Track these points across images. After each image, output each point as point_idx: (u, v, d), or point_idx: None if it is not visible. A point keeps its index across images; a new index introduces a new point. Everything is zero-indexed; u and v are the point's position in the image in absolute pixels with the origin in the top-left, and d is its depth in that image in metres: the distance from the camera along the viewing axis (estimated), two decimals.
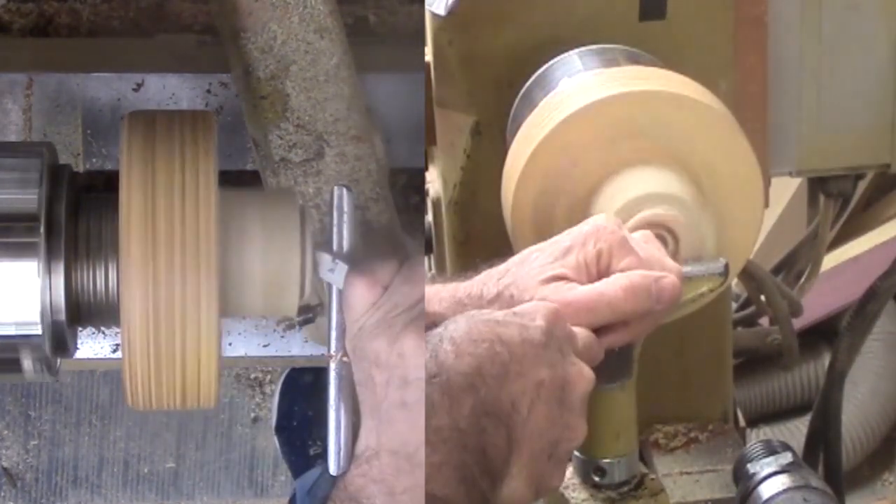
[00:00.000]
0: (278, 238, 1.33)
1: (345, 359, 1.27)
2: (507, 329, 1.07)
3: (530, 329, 1.08)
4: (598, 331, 1.14)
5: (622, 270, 1.16)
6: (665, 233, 1.26)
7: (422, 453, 1.17)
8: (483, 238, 1.57)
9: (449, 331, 1.06)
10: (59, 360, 1.40)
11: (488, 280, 1.19)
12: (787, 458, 1.43)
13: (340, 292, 1.28)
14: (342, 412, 1.26)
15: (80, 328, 1.40)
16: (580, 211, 1.29)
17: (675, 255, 1.26)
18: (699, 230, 1.27)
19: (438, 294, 1.21)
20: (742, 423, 1.80)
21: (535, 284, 1.16)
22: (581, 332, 1.12)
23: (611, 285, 1.14)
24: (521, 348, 1.06)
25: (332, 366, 1.27)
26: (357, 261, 1.29)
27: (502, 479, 1.06)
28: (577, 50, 1.44)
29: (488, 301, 1.17)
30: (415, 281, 1.24)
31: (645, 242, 1.20)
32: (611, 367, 1.19)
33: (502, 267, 1.20)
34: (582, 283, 1.16)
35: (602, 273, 1.16)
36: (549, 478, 1.09)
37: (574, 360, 1.10)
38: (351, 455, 1.26)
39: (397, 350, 1.22)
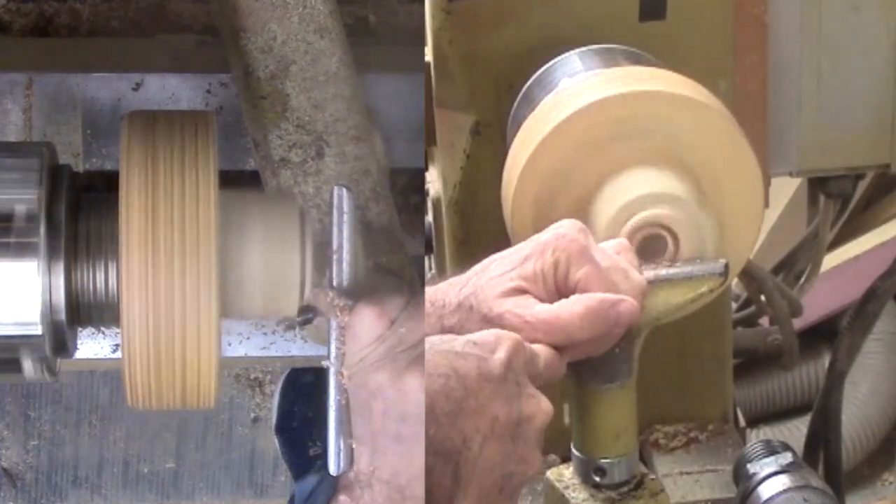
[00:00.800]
0: (278, 240, 1.33)
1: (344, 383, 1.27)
2: (464, 362, 1.06)
3: (489, 362, 1.06)
4: (557, 347, 1.13)
5: (580, 280, 1.15)
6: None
7: (414, 486, 1.17)
8: (483, 238, 1.57)
9: None
10: (59, 360, 1.40)
11: (451, 289, 1.18)
12: (787, 458, 1.43)
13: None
14: (342, 412, 1.26)
15: (80, 328, 1.40)
16: (580, 211, 1.29)
17: (674, 256, 1.26)
18: (699, 230, 1.27)
19: None
20: (742, 423, 1.81)
21: (493, 296, 1.15)
22: (542, 350, 1.11)
23: (567, 310, 1.13)
24: (477, 383, 1.05)
25: (332, 368, 1.27)
26: (367, 292, 1.29)
27: None
28: (577, 50, 1.44)
29: (449, 311, 1.16)
30: (419, 318, 1.24)
31: (617, 252, 1.19)
32: (611, 366, 1.19)
33: (465, 276, 1.19)
34: (539, 294, 1.15)
35: (560, 282, 1.15)
36: None
37: (532, 393, 1.09)
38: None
39: (399, 386, 1.22)
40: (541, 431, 1.09)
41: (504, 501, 1.08)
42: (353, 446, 1.25)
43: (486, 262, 1.19)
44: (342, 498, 1.26)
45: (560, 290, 1.15)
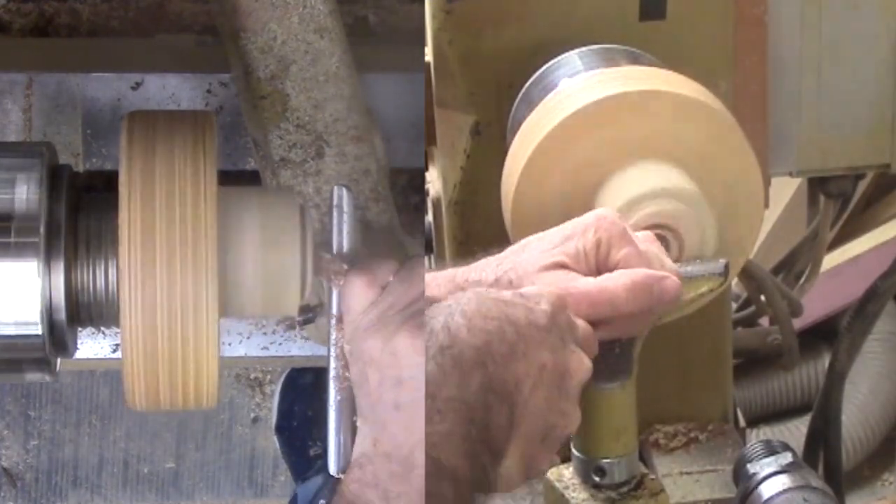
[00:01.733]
0: (278, 238, 1.33)
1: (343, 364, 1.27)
2: (514, 309, 1.07)
3: (535, 312, 1.08)
4: (593, 323, 1.14)
5: (621, 260, 1.16)
6: (668, 232, 1.26)
7: (416, 456, 1.17)
8: (483, 238, 1.56)
9: (461, 304, 1.06)
10: (59, 360, 1.40)
11: (486, 266, 1.18)
12: (787, 458, 1.43)
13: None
14: (342, 412, 1.26)
15: (80, 328, 1.40)
16: (580, 210, 1.29)
17: (679, 254, 1.26)
18: (701, 225, 1.27)
19: (436, 279, 1.21)
20: (742, 423, 1.80)
21: (534, 270, 1.15)
22: (581, 324, 1.12)
23: (613, 281, 1.14)
24: (527, 330, 1.07)
25: (332, 366, 1.27)
26: (357, 260, 1.29)
27: (501, 456, 1.06)
28: (577, 50, 1.44)
29: (487, 286, 1.16)
30: (412, 280, 1.24)
31: (647, 243, 1.20)
32: (611, 366, 1.19)
33: (501, 254, 1.19)
34: (581, 272, 1.16)
35: (601, 262, 1.16)
36: (540, 461, 1.09)
37: (574, 349, 1.10)
38: (350, 455, 1.26)
39: (391, 349, 1.22)
40: (580, 388, 1.10)
41: (545, 452, 1.09)
42: (358, 425, 1.25)
43: (523, 241, 1.20)
44: (348, 477, 1.25)
45: (601, 270, 1.16)
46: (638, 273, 1.15)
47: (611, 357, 1.18)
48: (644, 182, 1.27)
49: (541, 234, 1.20)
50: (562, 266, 1.16)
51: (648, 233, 1.23)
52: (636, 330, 1.19)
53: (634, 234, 1.19)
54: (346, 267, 1.28)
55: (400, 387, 1.21)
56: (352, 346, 1.25)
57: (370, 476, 1.23)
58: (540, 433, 1.08)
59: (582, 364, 1.10)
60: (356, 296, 1.26)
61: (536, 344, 1.07)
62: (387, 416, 1.22)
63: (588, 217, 1.19)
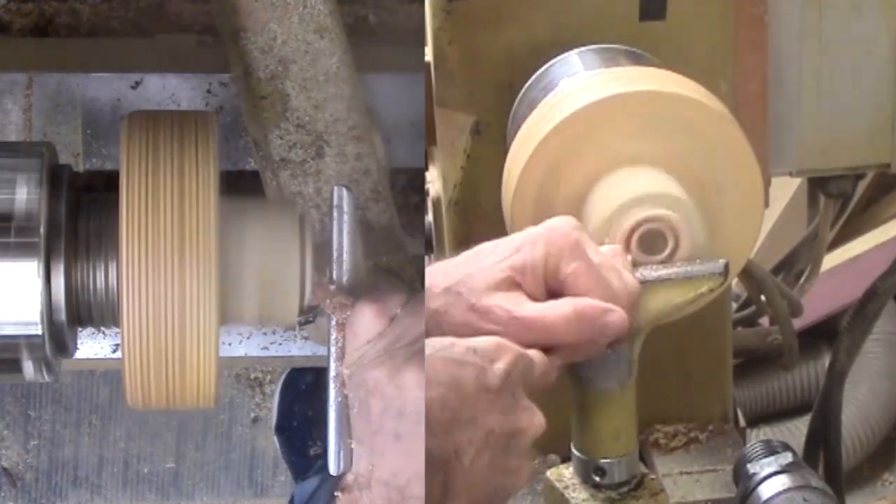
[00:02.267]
0: (278, 248, 1.33)
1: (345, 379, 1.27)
2: (464, 371, 1.05)
3: (488, 374, 1.05)
4: (547, 349, 1.12)
5: (570, 275, 1.14)
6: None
7: (414, 486, 1.17)
8: (483, 238, 1.56)
9: None
10: (59, 360, 1.40)
11: (441, 271, 1.17)
12: (787, 458, 1.43)
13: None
14: (342, 412, 1.26)
15: (80, 328, 1.40)
16: (580, 211, 1.29)
17: (674, 254, 1.25)
18: (693, 231, 1.26)
19: None
20: (742, 423, 1.81)
21: (483, 287, 1.13)
22: (536, 357, 1.10)
23: (555, 310, 1.12)
24: (474, 394, 1.04)
25: (332, 366, 1.27)
26: (360, 292, 1.28)
27: None
28: (577, 50, 1.44)
29: (435, 294, 1.15)
30: (419, 314, 1.23)
31: (612, 256, 1.18)
32: (611, 367, 1.19)
33: (454, 260, 1.18)
34: (529, 286, 1.14)
35: (549, 276, 1.14)
36: None
37: (526, 405, 1.08)
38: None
39: (397, 382, 1.22)
40: (532, 443, 1.08)
41: None
42: (353, 447, 1.25)
43: (477, 248, 1.18)
44: (342, 500, 1.25)
45: (550, 283, 1.14)
46: (581, 303, 1.12)
47: (611, 358, 1.18)
48: (636, 187, 1.27)
49: (494, 242, 1.18)
50: (510, 282, 1.14)
51: (615, 247, 1.21)
52: (586, 355, 1.16)
53: (595, 247, 1.17)
54: (350, 300, 1.28)
55: (402, 418, 1.21)
56: (353, 371, 1.25)
57: (366, 501, 1.23)
58: (486, 497, 1.06)
59: (534, 420, 1.08)
60: (364, 324, 1.26)
61: (485, 408, 1.05)
62: (386, 445, 1.22)
63: (541, 228, 1.17)
